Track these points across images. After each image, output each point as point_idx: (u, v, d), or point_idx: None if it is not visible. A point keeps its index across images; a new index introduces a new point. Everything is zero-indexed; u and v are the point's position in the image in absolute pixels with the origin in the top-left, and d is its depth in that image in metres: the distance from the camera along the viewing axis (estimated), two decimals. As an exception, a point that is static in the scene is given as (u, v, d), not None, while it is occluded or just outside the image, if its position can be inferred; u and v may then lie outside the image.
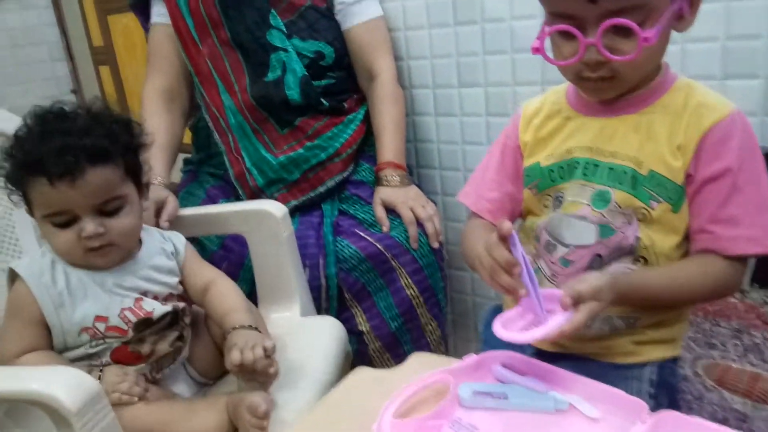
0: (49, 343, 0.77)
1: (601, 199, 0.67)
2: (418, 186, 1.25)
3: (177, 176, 1.34)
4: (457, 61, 1.32)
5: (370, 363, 1.12)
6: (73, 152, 0.71)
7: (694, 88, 0.66)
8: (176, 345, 0.83)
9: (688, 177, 0.64)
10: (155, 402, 0.74)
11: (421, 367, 0.59)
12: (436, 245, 1.15)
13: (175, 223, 1.01)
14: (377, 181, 1.20)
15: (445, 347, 1.20)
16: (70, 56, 2.51)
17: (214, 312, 0.85)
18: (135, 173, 0.80)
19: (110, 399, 0.65)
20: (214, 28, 1.19)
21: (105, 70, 2.44)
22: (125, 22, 2.27)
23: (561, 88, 0.75)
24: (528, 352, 0.65)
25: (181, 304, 0.84)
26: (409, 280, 1.13)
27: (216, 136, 1.22)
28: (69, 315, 0.76)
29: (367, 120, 1.28)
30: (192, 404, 0.78)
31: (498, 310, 0.81)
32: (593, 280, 0.59)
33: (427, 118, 1.42)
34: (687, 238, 0.67)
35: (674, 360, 0.71)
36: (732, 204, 0.62)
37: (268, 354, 0.73)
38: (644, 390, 0.67)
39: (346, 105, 1.25)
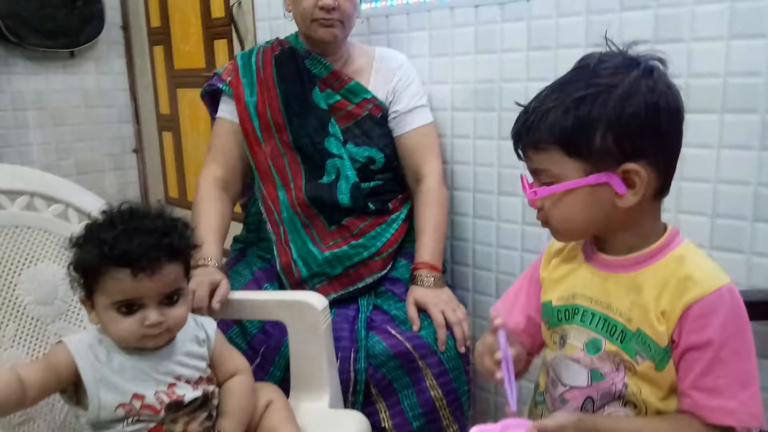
0: (30, 400, 0.79)
1: (594, 346, 0.71)
2: (450, 284, 1.30)
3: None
4: (498, 171, 1.40)
5: (390, 461, 1.15)
6: (157, 250, 0.81)
7: (687, 260, 0.68)
8: (205, 425, 0.88)
9: (673, 342, 0.66)
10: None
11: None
12: (462, 350, 1.19)
13: (223, 305, 1.08)
14: (412, 280, 1.26)
15: (465, 452, 1.22)
16: (137, 119, 2.71)
17: (219, 406, 0.92)
18: (187, 270, 0.90)
19: None
20: (277, 131, 1.30)
21: (168, 136, 2.62)
22: (192, 96, 2.45)
23: None
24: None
25: (211, 387, 0.91)
26: (435, 381, 1.16)
27: (268, 226, 1.31)
28: (108, 389, 0.82)
29: (409, 219, 1.36)
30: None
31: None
32: (560, 417, 0.65)
33: (465, 218, 1.49)
34: (675, 393, 0.68)
35: None
36: (713, 374, 0.64)
37: None
38: None
39: (390, 206, 1.33)
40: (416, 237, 1.31)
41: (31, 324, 0.97)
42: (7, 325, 0.94)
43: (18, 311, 0.96)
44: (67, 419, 0.97)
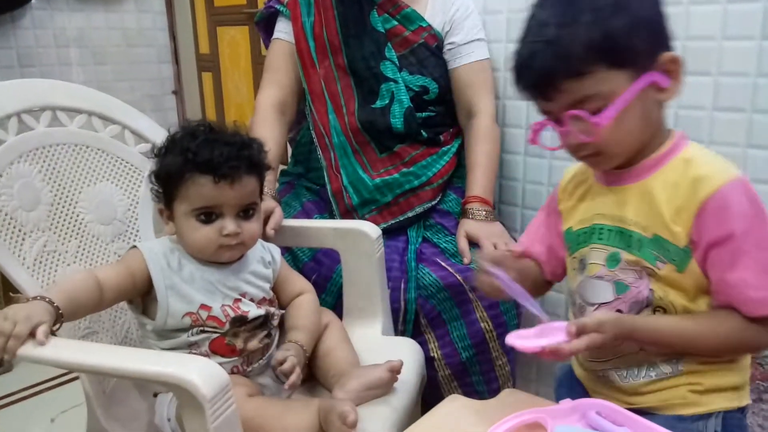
0: (107, 302, 0.82)
1: (613, 259, 0.72)
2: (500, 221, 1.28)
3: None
4: (553, 106, 1.35)
5: (438, 389, 1.15)
6: (237, 159, 0.83)
7: (695, 161, 0.68)
8: (264, 342, 0.90)
9: (693, 242, 0.66)
10: (256, 396, 0.81)
11: (515, 403, 0.63)
12: (515, 283, 1.17)
13: (277, 232, 1.08)
14: (463, 214, 1.24)
15: (513, 384, 1.22)
16: (176, 60, 2.69)
17: (287, 321, 0.95)
18: (261, 188, 0.91)
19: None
20: (333, 52, 1.27)
21: (207, 77, 2.60)
22: (233, 34, 2.42)
23: None
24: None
25: (272, 309, 0.92)
26: (485, 313, 1.16)
27: (319, 151, 1.30)
28: (177, 297, 0.84)
29: (459, 153, 1.33)
30: (287, 403, 0.84)
31: (567, 369, 0.84)
32: (599, 314, 0.66)
33: (516, 156, 1.45)
34: (702, 293, 0.68)
35: (741, 410, 0.72)
36: (740, 267, 0.64)
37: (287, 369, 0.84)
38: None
39: (442, 137, 1.31)
40: (468, 172, 1.29)
41: (91, 241, 0.99)
42: (69, 241, 0.95)
43: (79, 228, 0.97)
44: (128, 334, 0.99)
